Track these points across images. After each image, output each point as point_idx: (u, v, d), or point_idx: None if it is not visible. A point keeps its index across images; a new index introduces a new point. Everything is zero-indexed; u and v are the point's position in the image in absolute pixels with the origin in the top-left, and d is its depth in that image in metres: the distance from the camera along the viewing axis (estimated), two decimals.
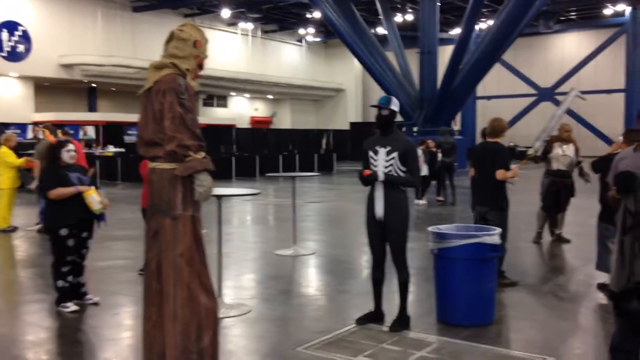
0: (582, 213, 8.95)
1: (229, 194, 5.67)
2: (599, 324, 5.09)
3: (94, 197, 5.29)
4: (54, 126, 10.60)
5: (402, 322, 4.76)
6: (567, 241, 8.50)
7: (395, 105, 4.75)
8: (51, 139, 8.99)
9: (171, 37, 3.71)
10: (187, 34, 3.67)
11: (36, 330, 4.87)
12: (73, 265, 5.33)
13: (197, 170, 3.49)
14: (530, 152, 9.27)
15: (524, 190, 10.22)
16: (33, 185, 9.23)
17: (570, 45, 38.71)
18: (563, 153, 8.29)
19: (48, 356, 4.33)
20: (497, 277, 6.11)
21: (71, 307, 5.24)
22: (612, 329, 4.95)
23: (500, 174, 5.97)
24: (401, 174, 4.70)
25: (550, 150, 8.33)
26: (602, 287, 5.92)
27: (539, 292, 5.98)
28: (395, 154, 4.68)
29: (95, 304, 5.45)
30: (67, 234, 5.23)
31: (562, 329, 4.86)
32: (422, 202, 13.47)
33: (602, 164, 5.99)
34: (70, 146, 5.43)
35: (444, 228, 5.15)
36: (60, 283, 5.26)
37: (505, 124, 6.31)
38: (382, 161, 4.70)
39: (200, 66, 3.75)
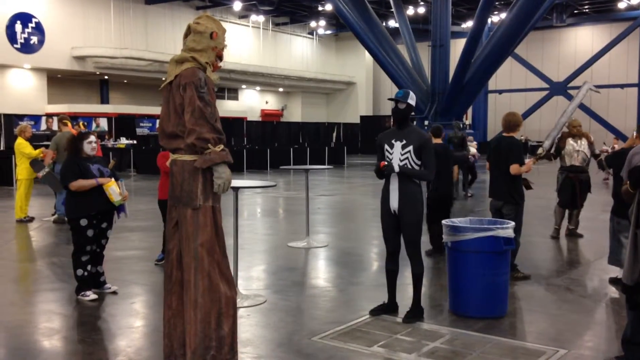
0: (595, 208, 8.96)
1: (246, 185, 5.74)
2: (611, 318, 5.12)
3: (114, 189, 5.38)
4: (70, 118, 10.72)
5: (415, 313, 4.81)
6: (580, 236, 8.48)
7: (412, 99, 4.78)
8: (73, 130, 9.11)
9: (189, 31, 3.76)
10: (203, 27, 3.71)
11: (55, 317, 4.97)
12: (92, 254, 5.43)
13: (216, 162, 3.55)
14: (539, 151, 9.27)
15: (537, 184, 10.20)
16: (41, 173, 9.34)
17: (583, 39, 38.43)
18: (576, 148, 8.26)
19: (68, 343, 4.42)
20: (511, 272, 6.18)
21: (90, 295, 5.35)
22: (624, 322, 4.98)
23: (514, 168, 6.00)
24: (416, 167, 4.74)
25: (563, 146, 8.31)
26: (614, 281, 5.94)
27: (552, 286, 6.01)
28: (410, 148, 4.71)
29: (114, 292, 5.55)
30: (87, 224, 5.32)
31: (574, 322, 4.89)
32: None
33: (615, 159, 6.00)
34: (92, 138, 5.51)
35: (457, 221, 5.19)
36: (80, 272, 5.36)
37: (520, 119, 6.32)
38: (398, 154, 4.74)
39: (219, 57, 3.79)
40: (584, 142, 8.33)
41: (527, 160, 6.16)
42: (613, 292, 5.78)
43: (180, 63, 3.67)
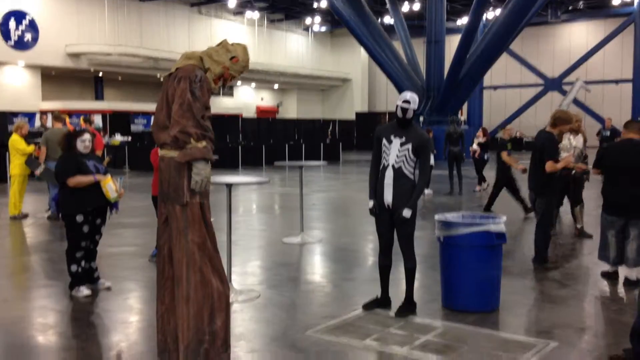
0: (589, 204, 8.97)
1: (239, 181, 5.75)
2: (602, 312, 5.16)
3: (110, 186, 5.39)
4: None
5: (408, 307, 4.84)
6: (590, 236, 8.08)
7: (415, 104, 4.81)
8: (70, 127, 9.11)
9: (220, 43, 3.84)
10: (233, 49, 3.79)
11: (49, 313, 4.98)
12: (86, 250, 5.44)
13: (196, 158, 3.55)
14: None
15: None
16: (39, 170, 9.34)
17: (578, 35, 38.50)
18: (572, 144, 8.12)
19: (62, 338, 4.44)
20: (540, 263, 6.38)
21: (84, 291, 5.36)
22: (616, 316, 5.03)
23: (548, 166, 6.19)
24: (412, 163, 4.76)
25: (560, 141, 8.26)
26: (605, 275, 5.98)
27: (545, 279, 6.05)
28: (409, 146, 4.74)
29: (108, 288, 5.57)
30: (83, 220, 5.33)
31: (566, 315, 4.93)
32: (428, 191, 13.52)
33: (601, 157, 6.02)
34: (86, 136, 5.51)
35: (450, 216, 5.22)
36: (74, 268, 5.37)
37: (568, 116, 6.47)
38: (395, 150, 4.76)
39: (223, 78, 3.81)
40: (580, 139, 8.24)
41: (564, 155, 6.23)
42: (605, 286, 5.82)
43: (188, 59, 3.74)
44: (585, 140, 8.39)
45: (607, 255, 5.85)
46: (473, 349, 4.07)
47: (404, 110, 4.76)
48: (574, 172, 7.90)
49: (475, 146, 13.84)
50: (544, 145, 6.22)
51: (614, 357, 3.87)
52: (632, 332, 3.89)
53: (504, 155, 10.22)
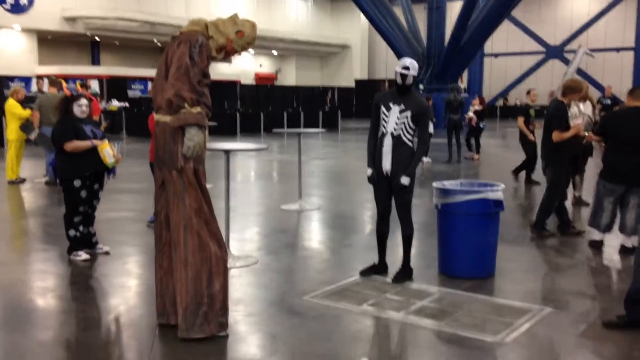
0: (589, 172, 8.95)
1: (237, 148, 5.73)
2: (597, 278, 5.20)
3: (108, 151, 5.37)
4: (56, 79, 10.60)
5: (405, 273, 4.88)
6: (587, 204, 8.08)
7: (416, 71, 4.76)
8: (67, 91, 9.04)
9: (230, 16, 3.81)
10: (241, 23, 3.77)
11: (49, 277, 5.01)
12: (84, 215, 5.45)
13: (189, 123, 3.53)
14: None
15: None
16: (33, 135, 9.28)
17: (580, 2, 38.00)
18: (582, 111, 7.87)
19: (61, 301, 4.48)
20: (539, 231, 6.40)
21: (83, 255, 5.39)
22: (609, 283, 5.09)
23: (555, 135, 6.15)
24: (410, 131, 4.74)
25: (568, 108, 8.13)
26: (593, 244, 5.99)
27: (541, 247, 6.09)
28: (408, 113, 4.70)
29: (106, 253, 5.59)
30: (81, 185, 5.32)
31: (561, 282, 4.98)
32: (427, 159, 13.51)
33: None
34: (83, 101, 5.46)
35: (448, 184, 5.22)
36: (72, 232, 5.38)
37: (579, 85, 6.40)
38: (394, 118, 4.72)
39: (225, 51, 3.76)
40: (589, 106, 8.07)
41: (577, 121, 6.18)
42: (600, 253, 5.85)
43: (193, 24, 3.71)
44: (594, 107, 8.25)
45: (598, 222, 5.84)
46: (468, 314, 4.11)
47: (403, 77, 4.71)
48: (584, 140, 7.84)
49: (471, 114, 13.76)
50: (553, 115, 6.20)
51: (608, 323, 3.92)
52: (627, 298, 3.93)
53: (520, 122, 10.01)
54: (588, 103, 8.07)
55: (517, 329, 3.88)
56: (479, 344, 3.65)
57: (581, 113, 7.94)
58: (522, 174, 10.30)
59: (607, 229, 5.85)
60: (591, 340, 3.73)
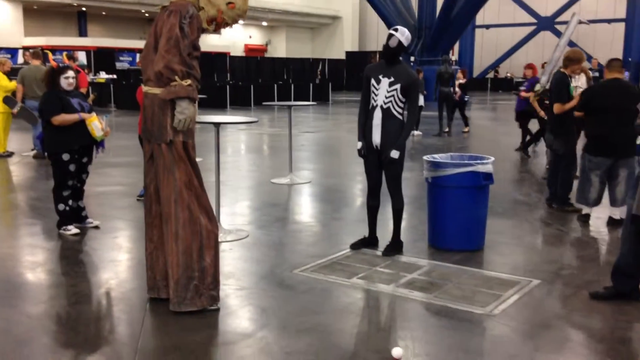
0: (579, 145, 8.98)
1: (227, 121, 5.68)
2: (586, 250, 5.26)
3: (96, 124, 5.31)
4: (43, 51, 10.44)
5: (395, 247, 4.90)
6: (577, 177, 8.25)
7: (405, 38, 4.68)
8: (53, 63, 8.89)
9: None
10: None
11: (38, 251, 5.00)
12: (73, 189, 5.41)
13: (180, 96, 3.49)
14: (537, 87, 9.06)
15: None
16: (15, 109, 9.15)
17: None
18: (574, 84, 7.99)
19: (51, 275, 4.47)
20: (561, 204, 6.37)
21: (72, 229, 5.36)
22: (598, 255, 5.14)
23: (556, 108, 6.12)
24: (400, 104, 4.71)
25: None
26: (581, 218, 6.03)
27: (529, 220, 6.14)
28: (397, 86, 4.66)
29: (96, 227, 5.57)
30: (69, 159, 5.26)
31: (550, 255, 5.03)
32: (417, 132, 13.50)
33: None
34: (69, 73, 5.37)
35: (438, 157, 5.22)
36: (62, 207, 5.35)
37: (577, 55, 6.32)
38: (384, 91, 4.69)
39: (216, 22, 3.69)
40: (582, 78, 8.03)
41: (577, 93, 6.15)
42: (588, 226, 5.91)
43: None
44: (588, 79, 8.21)
45: (586, 197, 5.88)
46: (457, 286, 4.15)
47: (389, 37, 4.66)
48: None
49: (457, 88, 13.71)
50: (554, 88, 6.19)
51: (595, 295, 3.97)
52: (614, 270, 3.97)
53: (531, 97, 9.86)
54: (582, 75, 8.03)
55: (506, 300, 3.92)
56: (468, 315, 3.69)
57: (574, 86, 7.89)
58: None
59: (595, 203, 5.89)
60: (578, 312, 3.78)
